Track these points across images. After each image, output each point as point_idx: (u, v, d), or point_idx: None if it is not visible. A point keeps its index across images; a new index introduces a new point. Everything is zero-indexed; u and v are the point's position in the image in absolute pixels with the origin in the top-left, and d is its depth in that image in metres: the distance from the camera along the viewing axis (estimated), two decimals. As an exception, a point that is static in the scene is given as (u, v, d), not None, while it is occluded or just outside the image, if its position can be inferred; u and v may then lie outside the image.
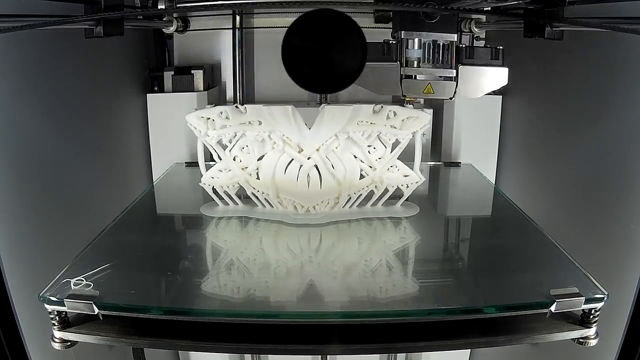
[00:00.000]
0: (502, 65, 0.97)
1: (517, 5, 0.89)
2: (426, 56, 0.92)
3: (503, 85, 0.98)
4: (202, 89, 1.43)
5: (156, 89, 1.45)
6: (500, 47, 0.97)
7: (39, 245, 0.96)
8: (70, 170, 1.08)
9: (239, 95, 1.53)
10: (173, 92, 1.43)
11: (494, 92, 1.43)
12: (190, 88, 1.43)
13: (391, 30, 1.00)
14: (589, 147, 1.06)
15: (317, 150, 0.97)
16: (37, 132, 0.97)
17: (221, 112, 0.98)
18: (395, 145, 0.99)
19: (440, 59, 0.92)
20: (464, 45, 0.94)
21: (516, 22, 1.06)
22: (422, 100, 1.63)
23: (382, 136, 0.99)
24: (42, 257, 0.95)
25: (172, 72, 1.43)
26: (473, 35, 1.50)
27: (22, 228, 0.92)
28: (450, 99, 0.95)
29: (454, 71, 0.93)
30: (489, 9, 0.86)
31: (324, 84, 0.64)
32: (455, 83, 0.94)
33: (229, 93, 1.56)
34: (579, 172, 1.10)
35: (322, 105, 0.97)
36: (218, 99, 1.56)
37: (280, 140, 0.97)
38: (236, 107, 0.97)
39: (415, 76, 0.93)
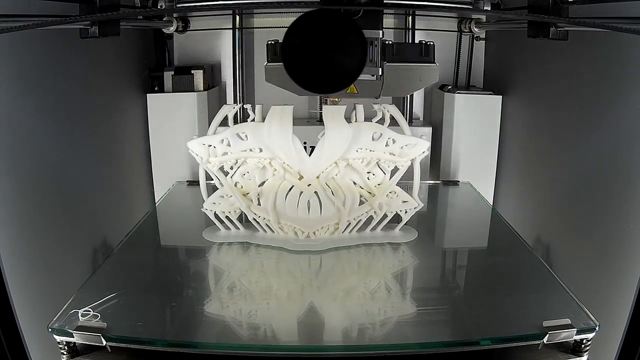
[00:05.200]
0: (432, 62, 0.92)
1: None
2: None
3: (433, 82, 0.92)
4: (202, 89, 1.45)
5: (156, 89, 1.47)
6: (431, 42, 0.92)
7: (39, 251, 0.97)
8: (70, 172, 1.10)
9: (239, 95, 1.54)
10: (173, 92, 1.45)
11: (493, 93, 1.47)
12: (190, 88, 1.44)
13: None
14: (588, 149, 1.06)
15: (317, 177, 1.00)
16: (37, 133, 0.97)
17: (222, 140, 1.00)
18: (394, 171, 1.01)
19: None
20: (389, 42, 0.89)
21: (517, 22, 1.05)
22: (421, 117, 1.66)
23: (381, 163, 1.01)
24: (42, 263, 0.97)
25: (172, 72, 1.45)
26: (473, 35, 1.52)
27: (21, 231, 0.92)
28: (377, 97, 0.91)
29: (380, 69, 0.87)
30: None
31: (324, 84, 0.65)
32: (380, 82, 0.89)
33: (229, 93, 1.58)
34: (579, 176, 1.10)
35: (322, 133, 0.99)
36: (218, 99, 1.57)
37: (281, 167, 0.99)
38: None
39: None
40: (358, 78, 0.86)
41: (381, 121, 1.00)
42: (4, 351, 0.78)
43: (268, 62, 0.91)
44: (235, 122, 1.03)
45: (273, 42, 0.90)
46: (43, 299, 0.93)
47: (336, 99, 0.98)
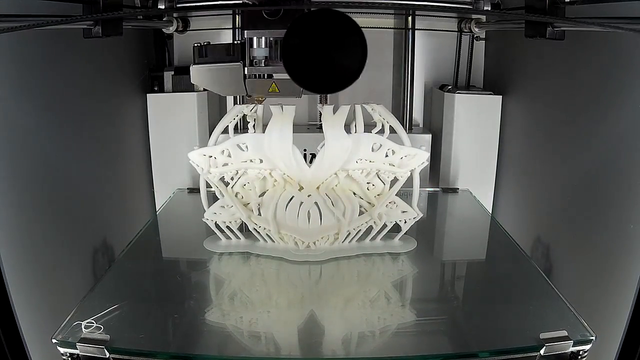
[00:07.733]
0: None
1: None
2: (273, 55, 0.88)
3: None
4: (202, 89, 1.44)
5: (156, 89, 1.47)
6: None
7: (39, 256, 0.97)
8: (70, 174, 1.10)
9: (239, 96, 1.52)
10: (173, 92, 1.45)
11: (493, 93, 1.46)
12: (190, 88, 1.44)
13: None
14: (588, 150, 1.06)
15: (317, 187, 1.00)
16: (36, 134, 0.97)
17: (223, 151, 1.01)
18: (393, 182, 1.02)
19: None
20: None
21: (517, 22, 1.06)
22: (420, 122, 1.67)
23: (380, 174, 1.01)
24: (42, 267, 0.97)
25: (172, 72, 1.45)
26: (473, 35, 1.52)
27: (21, 236, 0.92)
28: (298, 97, 0.91)
29: None
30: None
31: (324, 84, 0.65)
32: None
33: (229, 93, 1.58)
34: (578, 176, 1.10)
35: (322, 143, 1.00)
36: (218, 99, 1.57)
37: (281, 178, 1.00)
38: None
39: (260, 75, 0.90)
40: (280, 77, 0.89)
41: (381, 132, 1.01)
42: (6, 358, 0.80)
43: (194, 63, 0.92)
44: (236, 126, 1.04)
45: (199, 45, 0.92)
46: (43, 303, 0.94)
47: (260, 97, 0.98)
